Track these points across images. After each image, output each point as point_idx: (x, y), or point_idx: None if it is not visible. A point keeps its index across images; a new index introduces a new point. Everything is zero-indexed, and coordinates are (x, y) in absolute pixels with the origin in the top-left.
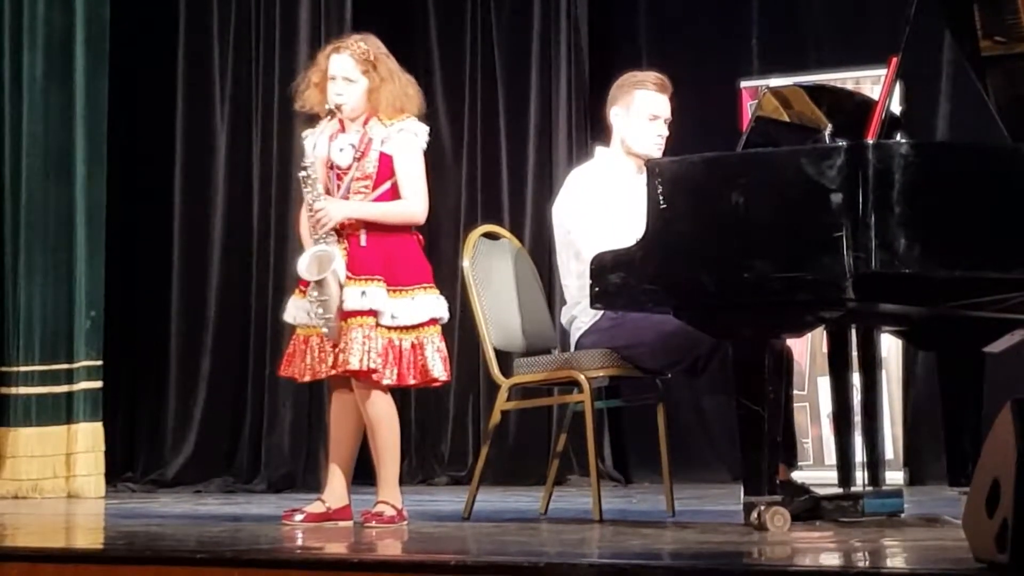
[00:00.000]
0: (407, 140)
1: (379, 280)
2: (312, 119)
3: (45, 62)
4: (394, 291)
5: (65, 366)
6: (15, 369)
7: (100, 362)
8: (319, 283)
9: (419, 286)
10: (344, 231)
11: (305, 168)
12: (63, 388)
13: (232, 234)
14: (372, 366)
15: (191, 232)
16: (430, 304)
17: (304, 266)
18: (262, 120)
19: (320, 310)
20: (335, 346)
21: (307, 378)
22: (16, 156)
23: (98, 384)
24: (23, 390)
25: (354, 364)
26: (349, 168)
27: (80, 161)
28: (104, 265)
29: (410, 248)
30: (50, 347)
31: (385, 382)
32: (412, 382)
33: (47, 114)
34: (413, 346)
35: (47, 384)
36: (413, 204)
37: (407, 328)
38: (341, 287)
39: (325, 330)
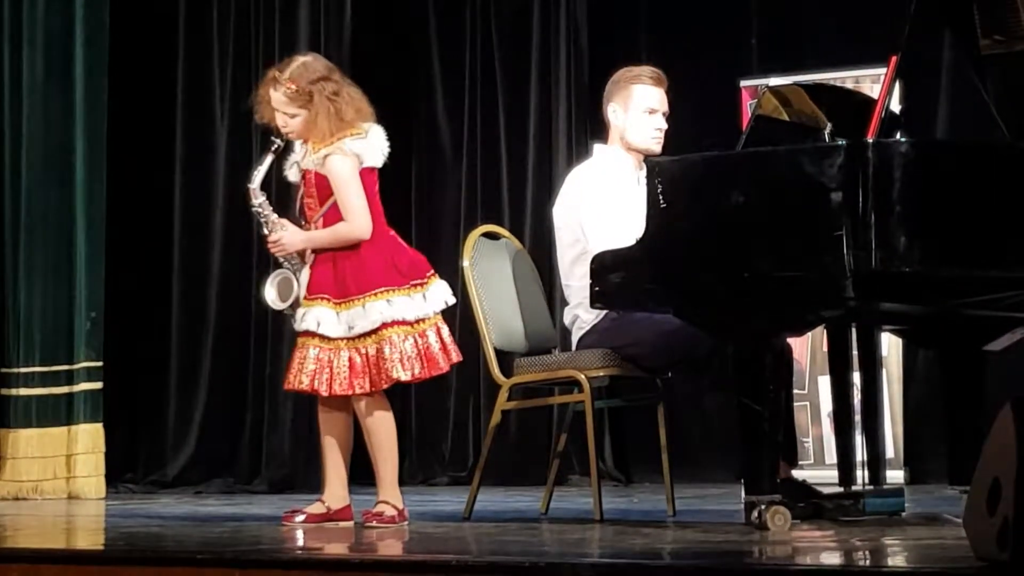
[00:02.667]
0: (333, 163)
1: (323, 299)
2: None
3: (45, 62)
4: (345, 303)
5: (65, 367)
6: (15, 370)
7: (100, 363)
8: (291, 306)
9: (370, 294)
10: (303, 252)
11: (254, 206)
12: (63, 389)
13: (233, 234)
14: (315, 386)
15: (191, 232)
16: (380, 310)
17: (272, 295)
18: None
19: (296, 318)
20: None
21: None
22: (16, 156)
23: (98, 385)
24: (23, 391)
25: (303, 383)
26: (299, 185)
27: (80, 161)
28: (104, 266)
29: (361, 258)
30: (50, 348)
31: (358, 391)
32: (384, 386)
33: (47, 114)
34: (378, 351)
35: (47, 385)
36: (352, 226)
37: (367, 335)
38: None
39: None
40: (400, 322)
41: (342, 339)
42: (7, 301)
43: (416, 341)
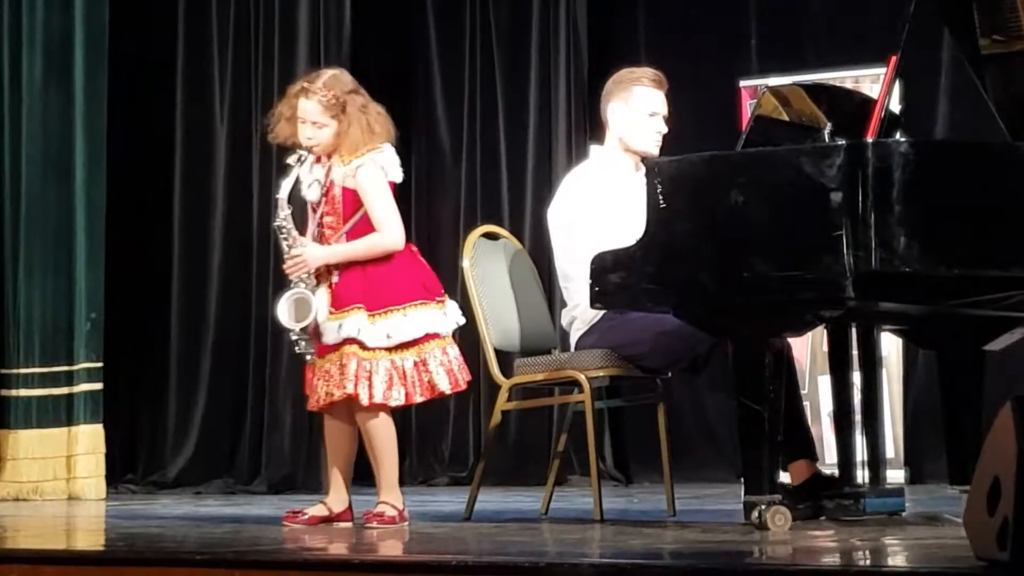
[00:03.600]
0: (367, 174)
1: (358, 308)
2: (286, 149)
3: (45, 63)
4: (382, 313)
5: (65, 368)
6: (15, 371)
7: (100, 364)
8: (304, 328)
9: (411, 304)
10: (319, 271)
11: (279, 219)
12: (63, 390)
13: (232, 235)
14: (357, 391)
15: (191, 233)
16: (423, 320)
17: (285, 317)
18: (262, 120)
19: (303, 343)
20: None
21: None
22: (16, 157)
23: (98, 386)
24: (23, 392)
25: (337, 395)
26: (319, 204)
27: (80, 162)
28: (104, 266)
29: (394, 269)
30: (50, 349)
31: (393, 404)
32: (419, 400)
33: (47, 115)
34: (416, 364)
35: (47, 386)
36: (386, 236)
37: (406, 345)
38: (318, 326)
39: (308, 358)
40: (437, 335)
41: (380, 349)
42: (7, 302)
43: (451, 355)
